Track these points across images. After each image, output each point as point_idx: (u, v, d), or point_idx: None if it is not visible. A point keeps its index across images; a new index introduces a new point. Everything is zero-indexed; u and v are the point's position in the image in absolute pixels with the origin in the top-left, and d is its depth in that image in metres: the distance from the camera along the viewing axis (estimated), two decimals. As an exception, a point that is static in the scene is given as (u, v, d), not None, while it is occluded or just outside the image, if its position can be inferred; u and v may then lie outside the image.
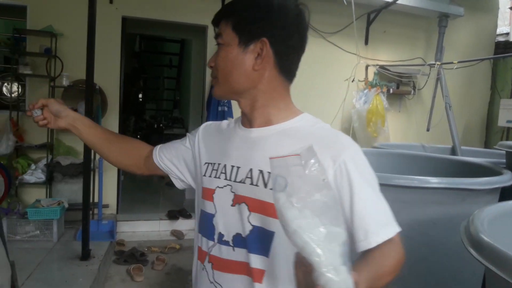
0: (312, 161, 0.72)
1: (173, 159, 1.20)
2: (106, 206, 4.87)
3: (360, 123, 5.24)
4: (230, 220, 0.99)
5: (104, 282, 3.55)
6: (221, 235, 1.01)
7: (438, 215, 2.22)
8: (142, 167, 1.26)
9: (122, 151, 1.28)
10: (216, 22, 1.03)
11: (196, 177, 1.15)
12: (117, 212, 5.05)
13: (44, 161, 4.55)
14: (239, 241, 0.98)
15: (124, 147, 1.28)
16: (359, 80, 5.57)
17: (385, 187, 2.34)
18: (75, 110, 4.36)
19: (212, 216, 1.03)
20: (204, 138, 1.15)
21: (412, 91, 5.90)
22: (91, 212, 4.24)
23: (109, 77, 4.90)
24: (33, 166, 4.52)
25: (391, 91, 5.62)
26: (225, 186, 1.01)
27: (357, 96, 5.34)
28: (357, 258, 0.89)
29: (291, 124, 1.01)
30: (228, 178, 1.01)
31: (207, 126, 1.19)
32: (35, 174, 4.45)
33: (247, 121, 1.05)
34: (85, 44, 3.53)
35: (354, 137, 5.44)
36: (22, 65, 4.52)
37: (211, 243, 1.03)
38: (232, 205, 0.99)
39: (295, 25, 0.99)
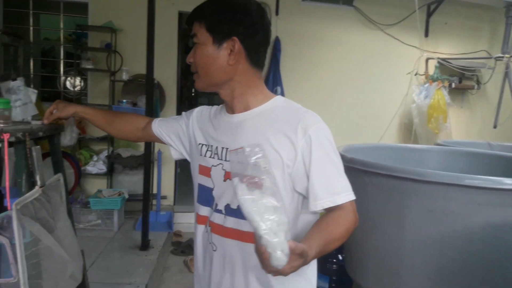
0: (257, 150, 0.92)
1: (170, 134, 1.42)
2: (164, 197, 4.97)
3: (421, 118, 5.04)
4: (223, 193, 1.19)
5: (162, 273, 3.63)
6: (216, 205, 1.22)
7: (516, 219, 2.08)
8: (140, 136, 1.54)
9: (121, 125, 1.56)
10: (189, 22, 1.19)
11: (191, 154, 1.35)
12: (174, 204, 5.15)
13: (105, 153, 4.71)
14: (229, 210, 1.18)
15: (122, 122, 1.56)
16: (419, 74, 5.36)
17: (457, 188, 2.23)
18: (135, 104, 4.46)
19: (211, 189, 1.23)
20: (198, 121, 1.33)
21: (476, 86, 5.61)
22: (150, 203, 4.35)
23: (167, 72, 4.99)
24: (95, 158, 4.68)
25: (453, 85, 5.37)
26: (218, 164, 1.20)
27: (417, 91, 5.14)
28: (313, 224, 1.08)
29: (266, 107, 1.18)
30: (219, 158, 1.20)
31: (201, 110, 1.37)
32: (97, 165, 4.61)
33: (229, 108, 1.23)
34: (144, 39, 3.60)
35: (415, 134, 5.25)
36: (84, 60, 4.69)
37: (211, 211, 1.24)
38: (224, 181, 1.19)
39: (259, 23, 1.15)
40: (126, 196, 4.31)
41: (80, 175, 4.47)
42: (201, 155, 1.26)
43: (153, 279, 3.25)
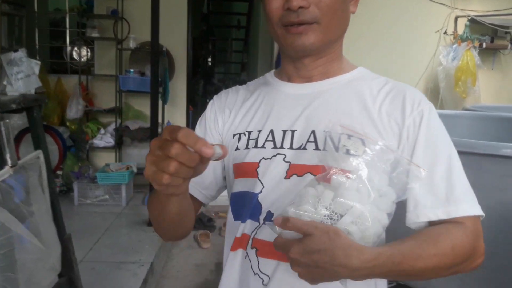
0: (365, 133, 0.72)
1: (210, 175, 0.95)
2: (174, 170, 4.81)
3: (447, 82, 4.67)
4: (283, 195, 0.82)
5: (171, 249, 3.48)
6: (270, 214, 0.82)
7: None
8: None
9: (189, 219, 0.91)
10: None
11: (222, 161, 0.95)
12: (185, 177, 4.98)
13: (113, 125, 4.55)
14: None
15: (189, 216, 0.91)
16: (446, 34, 4.96)
17: (491, 158, 1.94)
18: (143, 74, 4.27)
19: (256, 195, 0.85)
20: (221, 110, 0.96)
21: (509, 45, 5.16)
22: (159, 177, 4.19)
23: (176, 39, 4.73)
24: (102, 131, 4.53)
25: (484, 45, 4.94)
26: (274, 156, 0.84)
27: (445, 52, 4.75)
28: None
29: (352, 76, 0.91)
30: (279, 145, 0.85)
31: (220, 96, 1.00)
32: (104, 139, 4.46)
33: (299, 75, 0.91)
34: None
35: (441, 99, 4.90)
36: (90, 28, 4.48)
37: (255, 224, 0.84)
38: (286, 177, 0.83)
39: None
40: (135, 170, 4.16)
41: (66, 150, 4.29)
42: (238, 149, 0.89)
43: (159, 256, 3.11)
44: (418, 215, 0.76)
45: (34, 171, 1.63)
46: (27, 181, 1.57)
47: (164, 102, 4.39)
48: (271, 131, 0.87)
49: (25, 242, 1.39)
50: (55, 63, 5.55)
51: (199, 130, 0.96)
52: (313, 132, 0.83)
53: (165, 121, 4.56)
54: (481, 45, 4.90)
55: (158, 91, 3.65)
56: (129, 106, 4.71)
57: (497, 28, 4.95)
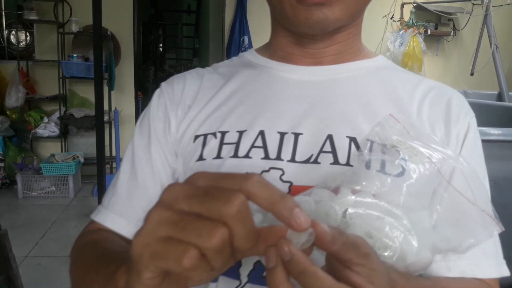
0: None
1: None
2: (124, 159, 4.67)
3: (395, 68, 4.80)
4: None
5: (122, 240, 3.39)
6: (258, 269, 0.54)
7: (501, 173, 1.88)
8: None
9: None
10: None
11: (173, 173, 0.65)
12: (136, 166, 4.85)
13: (57, 114, 4.34)
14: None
15: None
16: (393, 20, 5.07)
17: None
18: (87, 59, 4.09)
19: None
20: (175, 103, 0.66)
21: (452, 32, 5.37)
22: (108, 166, 4.05)
23: (121, 23, 4.55)
24: (45, 119, 4.31)
25: (428, 32, 5.11)
26: (265, 171, 0.56)
27: (392, 38, 4.86)
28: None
29: (374, 64, 0.67)
30: (273, 155, 0.57)
31: (171, 83, 0.69)
32: (48, 128, 4.25)
33: (304, 55, 0.64)
34: (93, -15, 3.18)
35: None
36: (27, 10, 4.21)
37: (233, 284, 0.54)
38: None
39: None
40: (82, 160, 4.01)
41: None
42: (202, 158, 0.60)
43: (110, 249, 3.02)
44: (449, 268, 0.55)
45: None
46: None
47: (111, 88, 4.22)
48: (262, 133, 0.59)
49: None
50: (-9, 48, 5.20)
51: (139, 136, 0.66)
52: (330, 137, 0.57)
53: (112, 108, 4.40)
54: (426, 31, 5.06)
55: (102, 77, 3.49)
56: (74, 93, 4.50)
57: (441, 15, 5.12)
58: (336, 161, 0.55)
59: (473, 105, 2.39)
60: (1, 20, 4.94)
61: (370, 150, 0.53)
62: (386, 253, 0.43)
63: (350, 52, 0.66)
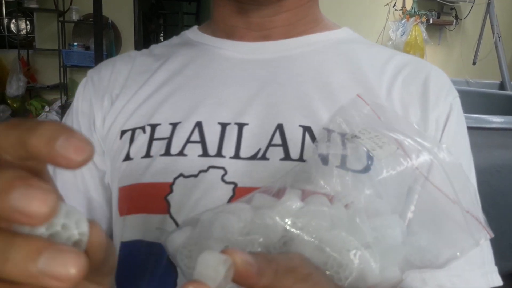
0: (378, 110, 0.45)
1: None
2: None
3: (397, 57, 4.78)
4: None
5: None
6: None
7: (503, 161, 1.88)
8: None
9: None
10: None
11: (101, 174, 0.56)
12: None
13: (58, 103, 4.34)
14: None
15: None
16: (395, 9, 5.04)
17: (480, 131, 2.00)
18: (87, 48, 4.07)
19: (160, 246, 0.45)
20: (100, 93, 0.56)
21: (454, 21, 5.34)
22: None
23: (122, 12, 4.53)
24: (47, 108, 4.32)
25: (431, 21, 5.09)
26: (203, 171, 0.47)
27: (394, 27, 4.84)
28: None
29: (335, 37, 0.57)
30: (213, 152, 0.48)
31: (99, 70, 0.59)
32: (49, 117, 4.25)
33: (249, 27, 0.54)
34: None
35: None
36: (27, -1, 4.19)
37: None
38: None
39: None
40: (83, 148, 4.01)
41: None
42: (129, 157, 0.50)
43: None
44: (425, 280, 0.46)
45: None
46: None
47: (112, 77, 4.23)
48: (199, 125, 0.49)
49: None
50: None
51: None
52: (280, 127, 0.48)
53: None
54: (428, 20, 5.04)
55: (105, 66, 3.50)
56: (75, 82, 4.49)
57: (443, 3, 5.09)
58: (287, 156, 0.46)
59: (475, 94, 2.40)
60: (2, 9, 4.92)
61: (328, 141, 0.43)
62: (340, 274, 0.33)
63: (304, 23, 0.55)
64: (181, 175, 0.46)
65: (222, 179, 0.46)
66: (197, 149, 0.47)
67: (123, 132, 0.52)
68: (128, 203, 0.49)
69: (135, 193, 0.48)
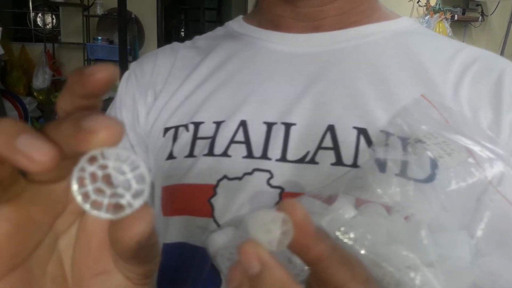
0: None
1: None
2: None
3: (420, 54, 4.72)
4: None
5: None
6: None
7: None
8: None
9: None
10: None
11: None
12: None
13: (82, 96, 4.41)
14: None
15: None
16: (419, 5, 4.97)
17: None
18: (111, 42, 4.12)
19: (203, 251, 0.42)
20: (143, 88, 0.55)
21: (480, 18, 5.23)
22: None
23: (145, 6, 4.57)
24: (71, 101, 4.40)
25: (455, 17, 5.00)
26: (248, 173, 0.44)
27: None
28: None
29: (394, 27, 0.51)
30: (258, 153, 0.45)
31: (141, 64, 0.58)
32: (73, 109, 4.33)
33: (298, 18, 0.50)
34: (118, -33, 3.21)
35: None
36: (54, -7, 4.28)
37: None
38: None
39: None
40: (106, 141, 4.08)
41: (27, 117, 4.15)
42: (173, 156, 0.49)
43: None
44: None
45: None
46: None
47: (135, 71, 4.28)
48: (243, 124, 0.46)
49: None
50: (19, 30, 5.30)
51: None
52: (331, 128, 0.44)
53: (136, 92, 4.46)
54: (452, 16, 4.95)
55: (127, 60, 3.53)
56: (98, 75, 4.57)
57: (467, 1, 5.00)
58: (339, 161, 0.42)
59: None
60: (28, 3, 5.02)
61: (387, 145, 0.39)
62: None
63: (358, 12, 0.50)
64: (225, 177, 0.44)
65: (268, 183, 0.43)
66: (241, 150, 0.45)
67: (166, 130, 0.50)
68: (171, 203, 0.47)
69: (179, 194, 0.47)
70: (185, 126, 0.49)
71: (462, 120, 0.41)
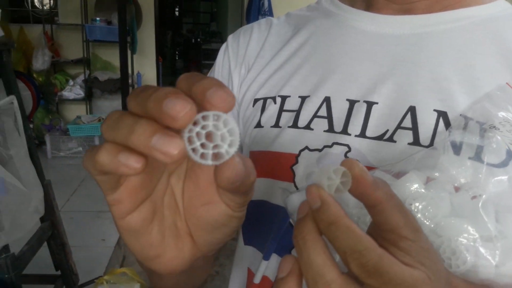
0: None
1: None
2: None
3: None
4: None
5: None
6: None
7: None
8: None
9: None
10: None
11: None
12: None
13: (82, 77, 4.45)
14: None
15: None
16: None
17: None
18: (109, 23, 4.12)
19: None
20: (239, 59, 0.60)
21: None
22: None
23: (142, -14, 4.57)
24: (71, 82, 4.43)
25: None
26: (328, 146, 0.48)
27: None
28: None
29: (486, 13, 0.50)
30: (339, 128, 0.48)
31: (238, 36, 0.62)
32: (73, 90, 4.37)
33: (387, 0, 0.51)
34: None
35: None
36: (51, -26, 4.27)
37: None
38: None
39: None
40: (107, 121, 4.13)
41: (39, 97, 4.19)
42: (260, 125, 0.54)
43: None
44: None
45: (9, 116, 1.62)
46: (3, 126, 1.56)
47: (133, 52, 4.31)
48: (327, 100, 0.49)
49: (7, 185, 1.41)
50: (15, 11, 5.29)
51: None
52: (412, 109, 0.45)
53: (135, 72, 4.49)
54: None
55: (126, 41, 3.57)
56: (97, 56, 4.59)
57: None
58: (416, 141, 0.44)
59: None
60: (25, -16, 5.01)
61: (464, 129, 0.40)
62: (452, 261, 0.33)
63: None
64: (306, 148, 0.48)
65: (346, 156, 0.46)
66: (323, 124, 0.48)
67: (255, 101, 0.55)
68: (256, 167, 0.45)
69: (264, 159, 0.51)
70: (273, 99, 0.53)
71: None
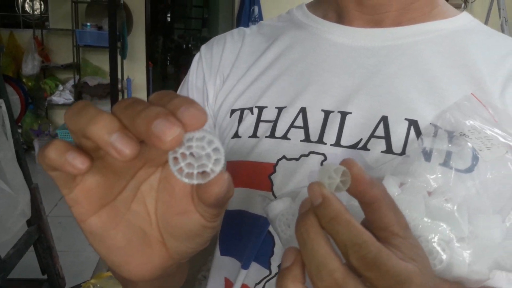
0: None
1: None
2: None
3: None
4: None
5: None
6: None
7: None
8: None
9: None
10: None
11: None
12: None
13: (71, 82, 4.45)
14: None
15: None
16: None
17: None
18: (100, 28, 4.14)
19: (267, 221, 0.45)
20: (213, 70, 0.60)
21: (463, 5, 5.35)
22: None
23: (133, -9, 4.60)
24: (60, 87, 4.43)
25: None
26: (304, 155, 0.49)
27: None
28: None
29: (452, 26, 0.53)
30: (315, 138, 0.50)
31: (211, 46, 0.62)
32: (63, 95, 4.37)
33: (362, 11, 0.53)
34: (105, -48, 3.24)
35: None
36: (42, -21, 4.27)
37: (264, 273, 0.50)
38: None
39: None
40: (96, 126, 4.13)
41: (27, 101, 4.18)
42: (238, 135, 0.55)
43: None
44: (511, 280, 0.41)
45: (-4, 119, 1.64)
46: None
47: (123, 57, 4.32)
48: (303, 111, 0.51)
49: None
50: (5, 16, 5.28)
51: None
52: (384, 119, 0.48)
53: (125, 77, 4.50)
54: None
55: (116, 46, 3.59)
56: (87, 61, 4.60)
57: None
58: (389, 149, 0.46)
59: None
60: (16, -11, 5.00)
61: (434, 137, 0.42)
62: (430, 261, 0.34)
63: (418, 7, 0.52)
64: (284, 157, 0.50)
65: (321, 165, 0.48)
66: (300, 134, 0.50)
67: (232, 111, 0.55)
68: (234, 177, 0.45)
69: (241, 169, 0.52)
70: (250, 109, 0.54)
71: (508, 120, 0.44)
